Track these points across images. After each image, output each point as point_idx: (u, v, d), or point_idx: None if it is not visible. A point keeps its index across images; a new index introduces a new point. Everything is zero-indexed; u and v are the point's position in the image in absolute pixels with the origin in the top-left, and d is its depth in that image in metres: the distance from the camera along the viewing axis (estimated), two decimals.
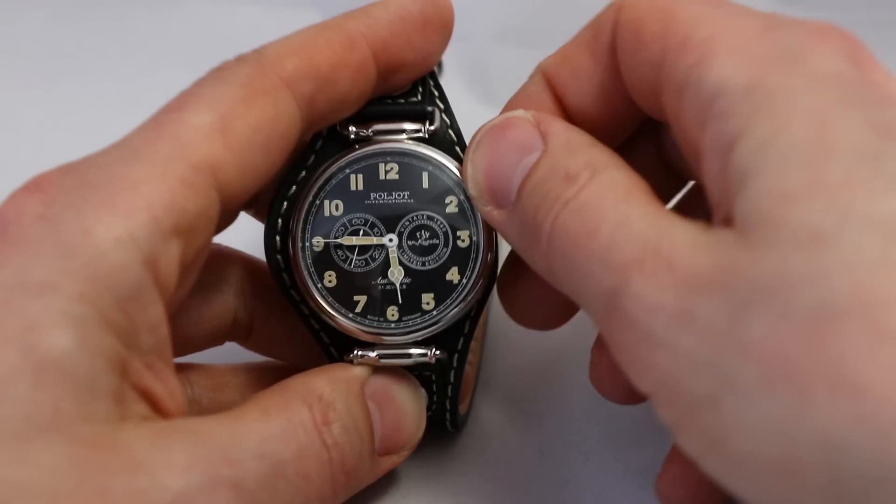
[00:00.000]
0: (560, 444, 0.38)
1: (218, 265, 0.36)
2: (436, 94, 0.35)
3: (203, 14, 0.60)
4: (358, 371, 0.32)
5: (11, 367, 0.24)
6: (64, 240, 0.26)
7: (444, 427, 0.36)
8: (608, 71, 0.31)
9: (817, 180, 0.23)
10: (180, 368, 0.35)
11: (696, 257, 0.24)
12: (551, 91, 0.33)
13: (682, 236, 0.25)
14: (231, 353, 0.37)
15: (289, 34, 0.32)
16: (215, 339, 0.36)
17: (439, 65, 0.39)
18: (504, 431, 0.39)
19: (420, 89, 0.35)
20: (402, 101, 0.34)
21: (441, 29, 0.33)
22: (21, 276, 0.25)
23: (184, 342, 0.34)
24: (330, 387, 0.31)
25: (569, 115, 0.33)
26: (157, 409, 0.27)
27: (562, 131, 0.30)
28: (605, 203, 0.27)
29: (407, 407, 0.33)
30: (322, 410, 0.30)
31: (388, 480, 0.35)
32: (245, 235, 0.36)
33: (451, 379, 0.34)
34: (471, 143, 0.31)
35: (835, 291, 0.22)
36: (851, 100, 0.24)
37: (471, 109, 0.43)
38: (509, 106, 0.33)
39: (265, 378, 0.37)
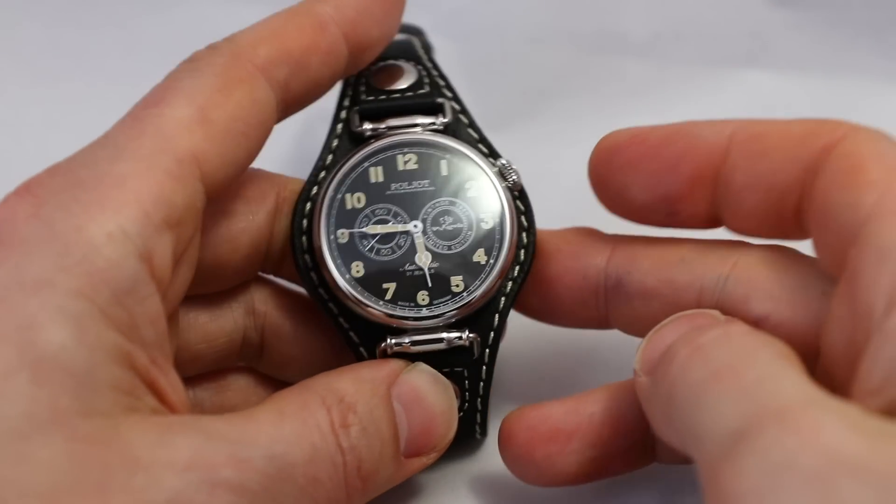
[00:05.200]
0: None
1: None
2: (441, 83, 0.36)
3: (204, 14, 0.60)
4: (386, 371, 0.32)
5: (9, 364, 0.24)
6: (58, 238, 0.26)
7: (472, 434, 0.35)
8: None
9: None
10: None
11: (852, 436, 0.22)
12: None
13: (838, 409, 0.23)
14: None
15: (258, 21, 0.33)
16: (225, 359, 0.36)
17: (427, 47, 0.39)
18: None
19: (427, 80, 0.35)
20: (411, 93, 0.35)
21: (399, 1, 0.34)
22: (16, 274, 0.25)
23: (192, 360, 0.34)
24: (354, 387, 0.30)
25: None
26: (163, 402, 0.27)
27: (744, 324, 0.29)
28: (761, 355, 0.26)
29: (437, 408, 0.32)
30: (341, 413, 0.29)
31: None
32: None
33: (483, 375, 0.34)
34: (657, 326, 0.31)
35: None
36: None
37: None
38: None
39: (269, 380, 0.37)
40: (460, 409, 0.34)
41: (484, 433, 0.36)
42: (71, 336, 0.25)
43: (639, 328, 0.32)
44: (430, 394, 0.32)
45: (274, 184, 0.35)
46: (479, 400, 0.35)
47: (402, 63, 0.37)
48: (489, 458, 0.36)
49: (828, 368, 0.28)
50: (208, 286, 0.34)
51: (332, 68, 0.33)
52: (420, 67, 0.36)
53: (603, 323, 0.35)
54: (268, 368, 0.37)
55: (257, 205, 0.34)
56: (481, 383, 0.34)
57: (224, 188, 0.31)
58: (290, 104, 0.33)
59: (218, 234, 0.33)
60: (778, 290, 0.30)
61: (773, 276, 0.31)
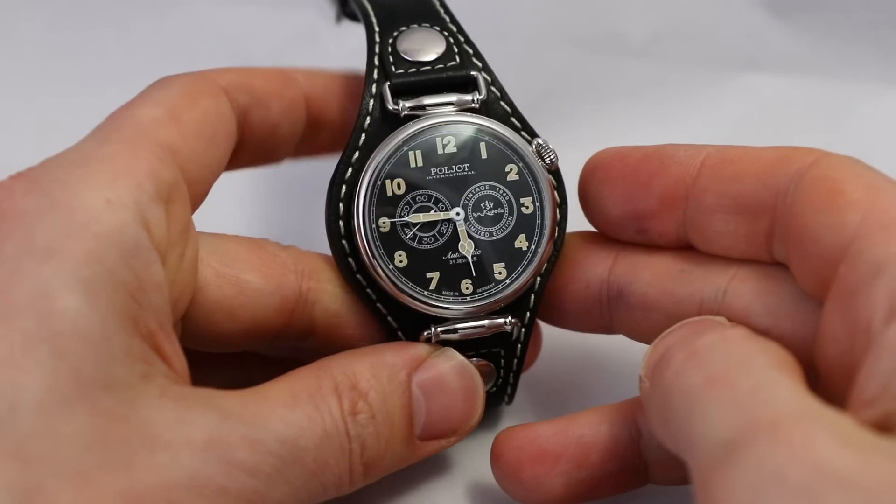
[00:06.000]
0: None
1: None
2: (469, 51, 0.35)
3: (203, 14, 0.60)
4: (408, 356, 0.32)
5: (28, 336, 0.25)
6: (59, 207, 0.26)
7: (500, 403, 0.36)
8: None
9: None
10: None
11: (843, 450, 0.22)
12: None
13: (831, 421, 0.23)
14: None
15: None
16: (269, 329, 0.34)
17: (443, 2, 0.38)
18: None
19: (455, 49, 0.35)
20: (442, 65, 0.34)
21: (357, 94, 0.35)
22: (25, 244, 0.26)
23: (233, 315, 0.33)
24: (371, 372, 0.31)
25: None
26: (170, 368, 0.28)
27: (744, 329, 0.29)
28: (756, 362, 0.26)
29: (460, 394, 0.32)
30: (352, 400, 0.30)
31: None
32: None
33: (518, 353, 0.35)
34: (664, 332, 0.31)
35: None
36: None
37: None
38: None
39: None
40: (494, 384, 0.35)
41: (510, 401, 0.36)
42: (86, 302, 0.25)
43: (642, 335, 0.33)
44: (453, 381, 0.32)
45: (300, 267, 0.33)
46: (511, 374, 0.35)
47: (426, 29, 0.35)
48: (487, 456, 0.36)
49: (825, 382, 0.28)
50: (204, 345, 0.33)
51: (292, 123, 0.34)
52: (446, 34, 0.35)
53: (608, 328, 0.35)
54: (313, 348, 0.35)
55: (274, 286, 0.33)
56: (515, 360, 0.35)
57: (196, 191, 0.31)
58: (248, 140, 0.34)
59: (218, 300, 0.32)
60: (776, 304, 0.31)
61: (772, 289, 0.31)
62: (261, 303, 0.32)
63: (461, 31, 0.36)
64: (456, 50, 0.35)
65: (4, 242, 0.26)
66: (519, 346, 0.35)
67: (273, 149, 0.34)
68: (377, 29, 0.35)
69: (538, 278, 0.34)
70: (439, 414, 0.32)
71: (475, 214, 0.33)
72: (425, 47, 0.35)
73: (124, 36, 0.60)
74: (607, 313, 0.34)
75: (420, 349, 0.32)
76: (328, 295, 0.33)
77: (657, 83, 0.57)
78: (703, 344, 0.27)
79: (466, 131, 0.33)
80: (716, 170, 0.31)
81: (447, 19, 0.36)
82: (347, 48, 0.61)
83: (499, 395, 0.36)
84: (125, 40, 0.60)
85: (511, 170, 0.34)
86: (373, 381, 0.30)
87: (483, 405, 0.33)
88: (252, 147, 0.34)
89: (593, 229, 0.35)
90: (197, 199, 0.31)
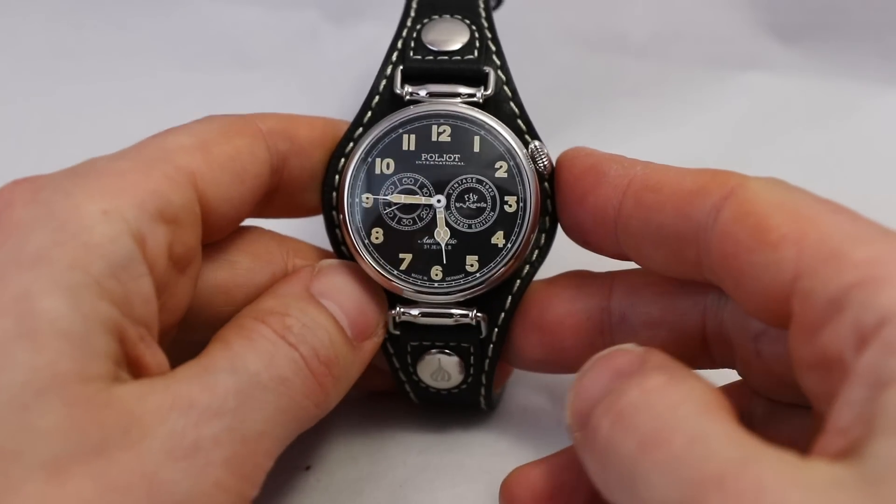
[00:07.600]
0: None
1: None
2: (493, 48, 0.35)
3: (203, 14, 0.60)
4: (297, 279, 0.33)
5: (7, 334, 0.25)
6: (55, 216, 0.27)
7: (477, 405, 0.37)
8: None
9: None
10: None
11: (796, 490, 0.22)
12: None
13: (777, 464, 0.23)
14: None
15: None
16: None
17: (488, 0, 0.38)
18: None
19: (477, 44, 0.35)
20: (459, 58, 0.35)
21: None
22: (14, 254, 0.26)
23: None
24: (277, 301, 0.32)
25: None
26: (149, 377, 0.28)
27: (661, 356, 0.28)
28: (683, 412, 0.25)
29: (359, 288, 0.33)
30: (278, 320, 0.30)
31: (403, 454, 0.37)
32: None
33: (490, 353, 0.35)
34: (579, 372, 0.30)
35: None
36: None
37: None
38: None
39: None
40: (464, 381, 0.35)
41: (490, 406, 0.37)
42: (66, 304, 0.26)
43: None
44: (346, 280, 0.33)
45: (284, 248, 0.35)
46: (483, 374, 0.35)
47: (456, 20, 0.36)
48: (484, 454, 0.36)
49: (814, 405, 0.28)
50: (199, 333, 0.34)
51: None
52: (474, 28, 0.35)
53: None
54: None
55: (262, 263, 0.34)
56: (487, 360, 0.35)
57: (219, 224, 0.32)
58: (285, 186, 0.34)
59: (215, 282, 0.33)
60: None
61: None
62: (253, 282, 0.34)
63: (491, 27, 0.36)
64: (477, 45, 0.35)
65: None
66: (491, 346, 0.35)
67: (304, 192, 0.35)
68: (412, 14, 0.36)
69: (518, 281, 0.34)
70: (354, 310, 0.33)
71: (457, 205, 0.34)
72: (448, 38, 0.35)
73: (124, 36, 0.60)
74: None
75: (301, 272, 0.33)
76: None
77: (657, 83, 0.57)
78: (627, 404, 0.26)
79: (463, 123, 0.34)
80: (638, 196, 0.31)
81: (482, 14, 0.36)
82: (347, 48, 0.61)
83: (472, 394, 0.36)
84: (126, 39, 0.60)
85: (500, 167, 0.34)
86: (284, 305, 0.31)
87: (384, 296, 0.34)
88: (289, 194, 0.34)
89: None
90: (216, 231, 0.32)
